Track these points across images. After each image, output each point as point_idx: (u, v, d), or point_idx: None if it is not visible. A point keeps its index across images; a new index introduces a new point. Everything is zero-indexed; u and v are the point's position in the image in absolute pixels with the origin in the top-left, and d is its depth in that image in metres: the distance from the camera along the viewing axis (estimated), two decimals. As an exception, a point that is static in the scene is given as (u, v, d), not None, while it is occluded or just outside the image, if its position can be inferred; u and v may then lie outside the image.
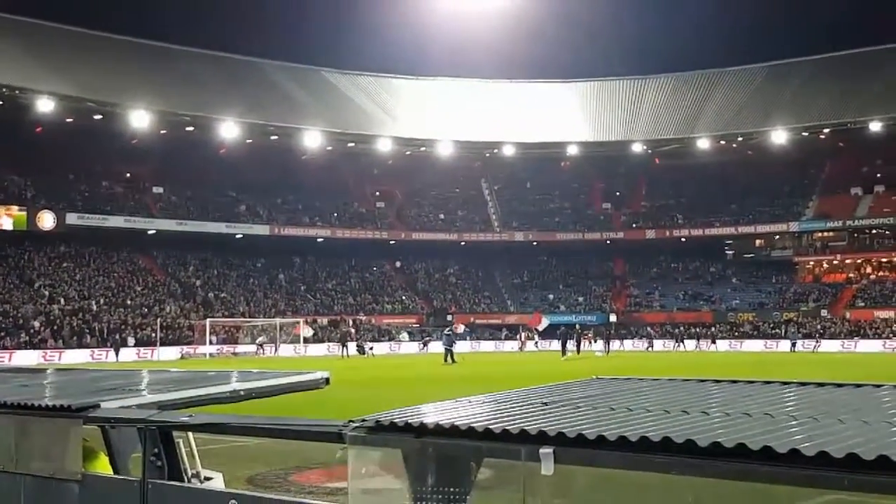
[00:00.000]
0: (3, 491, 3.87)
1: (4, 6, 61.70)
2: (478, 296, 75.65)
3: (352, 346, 54.09)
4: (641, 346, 63.80)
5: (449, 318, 69.96)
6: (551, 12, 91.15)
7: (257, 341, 57.74)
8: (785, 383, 3.15)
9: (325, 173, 71.46)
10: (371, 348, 55.65)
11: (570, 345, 47.75)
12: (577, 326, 58.03)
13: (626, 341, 64.05)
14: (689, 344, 61.53)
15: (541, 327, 64.39)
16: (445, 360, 40.90)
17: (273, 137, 67.73)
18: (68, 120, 59.24)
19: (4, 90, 55.41)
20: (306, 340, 59.35)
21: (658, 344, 63.29)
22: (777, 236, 74.11)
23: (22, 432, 3.82)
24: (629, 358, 46.86)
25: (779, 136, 68.77)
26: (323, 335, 61.62)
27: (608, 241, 77.07)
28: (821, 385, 3.08)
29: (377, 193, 79.42)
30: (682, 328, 65.90)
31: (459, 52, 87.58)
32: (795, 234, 72.91)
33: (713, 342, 61.17)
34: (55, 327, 52.83)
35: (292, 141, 68.06)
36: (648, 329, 66.87)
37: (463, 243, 76.35)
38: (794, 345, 56.63)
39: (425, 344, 59.28)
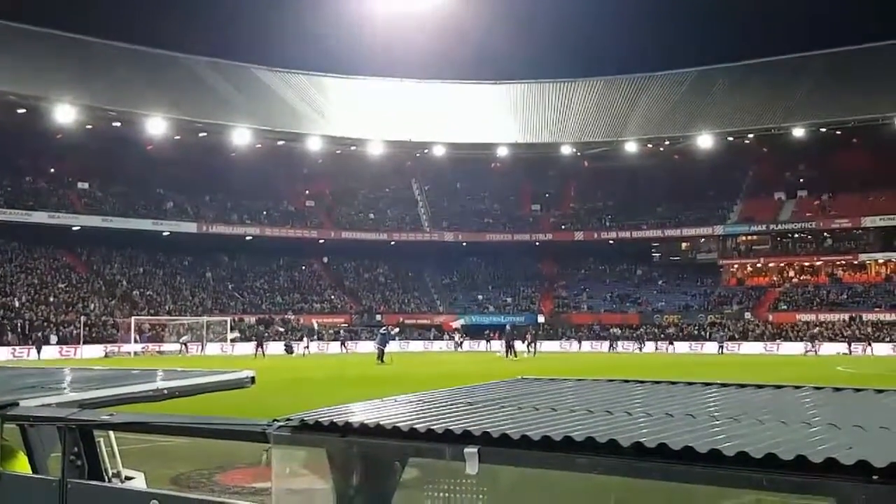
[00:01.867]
0: None
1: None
2: (407, 296, 75.62)
3: (274, 346, 53.76)
4: (571, 346, 64.46)
5: (378, 317, 69.83)
6: (482, 14, 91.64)
7: (181, 340, 56.85)
8: (707, 384, 3.20)
9: (254, 171, 70.65)
10: (307, 347, 55.42)
11: (521, 345, 48.69)
12: (508, 327, 58.51)
13: (554, 342, 64.61)
14: (623, 346, 62.25)
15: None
16: (380, 360, 40.86)
17: (202, 134, 66.76)
18: (-11, 113, 57.63)
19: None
20: (233, 340, 58.56)
21: (586, 345, 64.08)
22: (702, 239, 75.56)
23: None
24: (558, 359, 47.30)
25: (705, 141, 70.17)
26: (251, 334, 60.82)
27: (537, 243, 77.74)
28: (742, 386, 3.14)
29: (307, 192, 78.86)
30: (616, 330, 66.72)
31: (391, 51, 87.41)
32: (720, 238, 74.42)
33: (641, 344, 62.11)
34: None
35: (221, 138, 67.19)
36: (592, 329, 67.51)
37: (393, 243, 76.26)
38: (721, 347, 57.89)
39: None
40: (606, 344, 63.09)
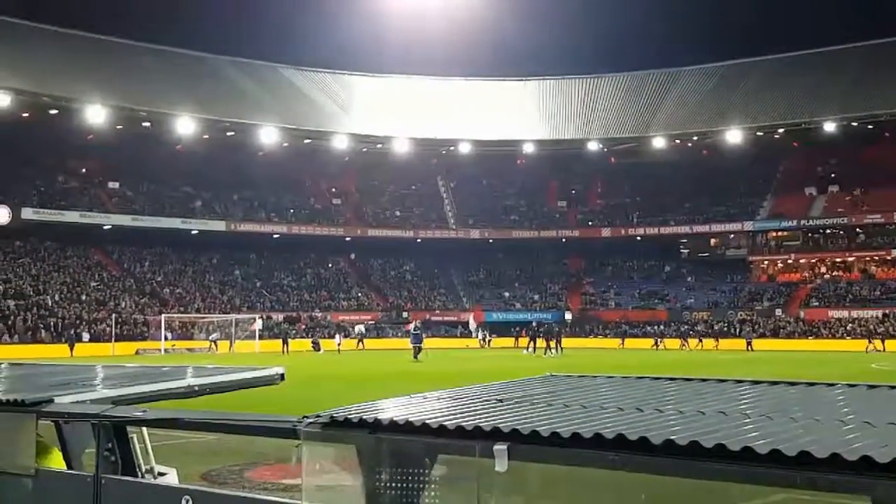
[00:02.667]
0: None
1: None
2: (433, 293, 75.66)
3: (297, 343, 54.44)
4: (607, 342, 64.12)
5: (405, 315, 70.06)
6: (508, 10, 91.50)
7: (210, 338, 57.24)
8: (739, 382, 3.18)
9: (281, 169, 71.04)
10: (339, 344, 55.93)
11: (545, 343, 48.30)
12: (534, 324, 58.47)
13: (590, 338, 64.42)
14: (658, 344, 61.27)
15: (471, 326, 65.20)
16: (415, 357, 40.56)
17: (229, 133, 67.18)
18: (24, 115, 58.33)
19: (-44, 83, 54.40)
20: (249, 336, 58.70)
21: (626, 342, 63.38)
22: (732, 235, 74.98)
23: None
24: (586, 356, 47.12)
25: (734, 136, 69.61)
26: (279, 332, 61.27)
27: (563, 240, 77.44)
28: (774, 384, 3.12)
29: (333, 190, 79.12)
30: (660, 327, 65.99)
31: (416, 49, 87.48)
32: (750, 234, 73.79)
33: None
34: (9, 322, 52.00)
35: (248, 137, 67.56)
36: (659, 328, 66.52)
37: (419, 240, 76.31)
38: (749, 344, 57.36)
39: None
40: (634, 340, 62.50)
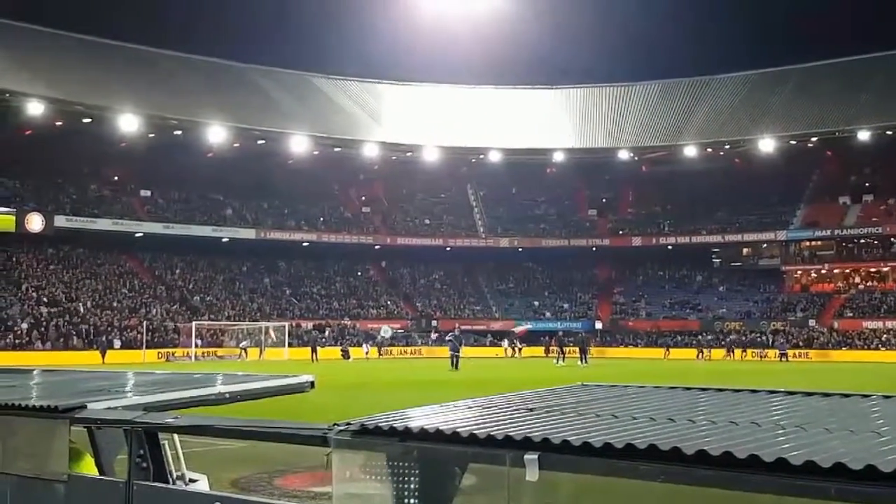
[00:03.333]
0: None
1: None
2: (463, 301, 75.63)
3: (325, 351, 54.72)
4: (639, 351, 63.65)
5: (434, 323, 70.17)
6: (538, 18, 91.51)
7: (241, 345, 57.55)
8: (772, 392, 3.15)
9: (311, 178, 71.41)
10: (367, 352, 56.01)
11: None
12: (560, 333, 58.34)
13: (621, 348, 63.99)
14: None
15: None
16: (453, 366, 39.74)
17: (260, 142, 67.63)
18: (57, 123, 59.00)
19: (-8, 93, 55.22)
20: (275, 344, 58.91)
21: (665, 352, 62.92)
22: (764, 245, 74.32)
23: (8, 432, 3.81)
24: (618, 365, 46.86)
25: (766, 145, 69.02)
26: (308, 339, 61.61)
27: (594, 248, 77.14)
28: (808, 395, 3.09)
29: (363, 198, 79.39)
30: (707, 336, 65.19)
31: (446, 57, 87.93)
32: (783, 243, 73.09)
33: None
34: (42, 329, 52.60)
35: (279, 145, 67.98)
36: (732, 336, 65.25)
37: (448, 248, 76.32)
38: (783, 354, 56.89)
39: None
40: (730, 352, 61.31)
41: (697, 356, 59.77)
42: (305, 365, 44.95)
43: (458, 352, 41.78)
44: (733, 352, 60.69)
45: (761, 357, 59.11)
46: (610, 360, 57.08)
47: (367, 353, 56.10)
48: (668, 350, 62.44)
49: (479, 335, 70.17)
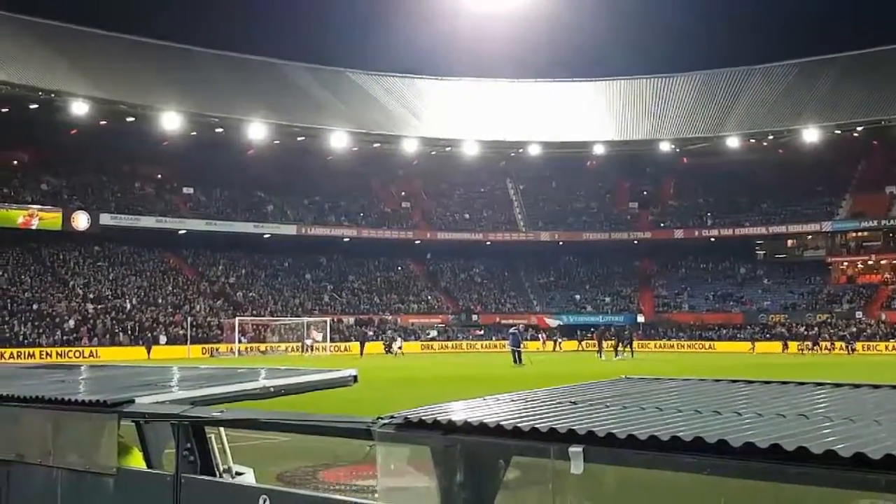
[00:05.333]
0: (40, 484, 3.93)
1: (40, 12, 62.80)
2: (503, 296, 75.55)
3: (374, 345, 55.01)
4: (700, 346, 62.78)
5: (475, 318, 70.23)
6: (577, 11, 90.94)
7: (306, 341, 58.04)
8: (819, 384, 3.11)
9: (350, 173, 71.75)
10: (400, 347, 56.11)
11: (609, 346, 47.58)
12: (602, 328, 57.99)
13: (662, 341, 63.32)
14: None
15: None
16: (515, 362, 38.28)
17: (300, 138, 68.07)
18: (102, 122, 59.89)
19: (40, 94, 56.12)
20: (316, 342, 59.34)
21: (725, 345, 62.03)
22: (809, 236, 73.30)
23: (58, 427, 3.88)
24: (663, 360, 46.56)
25: (810, 135, 68.02)
26: (349, 334, 62.05)
27: (635, 241, 76.66)
28: (856, 387, 3.04)
29: (402, 193, 79.58)
30: (801, 329, 63.72)
31: (484, 51, 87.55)
32: (828, 234, 72.06)
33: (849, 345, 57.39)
34: (89, 325, 53.47)
35: (318, 142, 68.35)
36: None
37: (488, 243, 76.31)
38: (850, 346, 56.16)
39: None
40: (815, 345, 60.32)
41: (783, 350, 58.06)
42: (353, 360, 45.23)
43: (520, 346, 40.53)
44: (818, 345, 58.92)
45: (829, 350, 57.84)
46: (653, 353, 56.72)
47: (399, 348, 55.81)
48: (753, 344, 60.51)
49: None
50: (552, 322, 69.88)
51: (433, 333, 65.94)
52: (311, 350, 56.79)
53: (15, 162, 62.49)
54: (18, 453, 4.07)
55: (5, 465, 4.12)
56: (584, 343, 62.30)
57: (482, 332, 67.81)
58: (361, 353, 52.72)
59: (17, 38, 58.97)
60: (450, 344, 65.01)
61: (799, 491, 1.95)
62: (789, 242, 74.39)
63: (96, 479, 3.62)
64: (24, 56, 57.56)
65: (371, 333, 61.23)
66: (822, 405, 2.60)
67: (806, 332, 62.98)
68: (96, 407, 3.67)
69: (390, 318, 66.89)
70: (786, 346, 58.82)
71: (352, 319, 64.98)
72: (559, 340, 65.47)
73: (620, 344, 47.86)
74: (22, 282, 56.08)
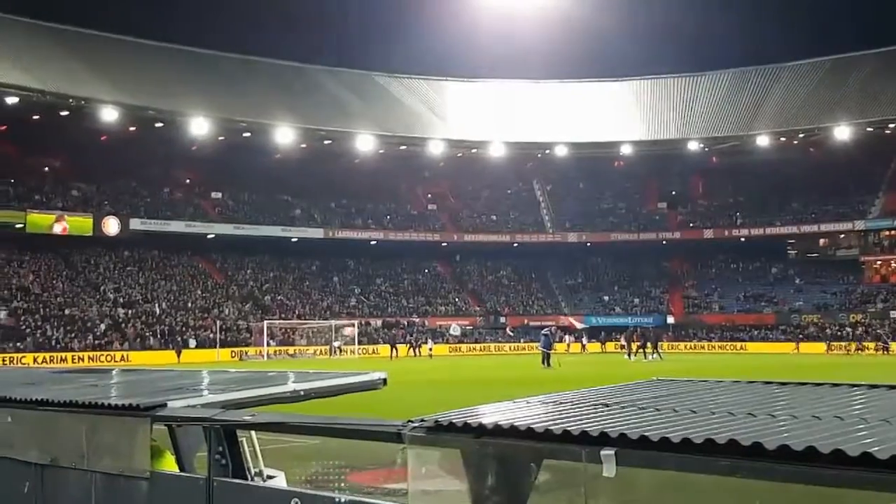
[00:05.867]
0: (74, 487, 3.97)
1: (69, 20, 63.53)
2: (531, 297, 75.39)
3: (403, 348, 55.15)
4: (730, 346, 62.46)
5: (502, 320, 70.15)
6: (603, 10, 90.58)
7: (335, 344, 58.31)
8: (854, 385, 3.08)
9: (377, 176, 71.88)
10: (430, 349, 56.29)
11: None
12: (630, 329, 57.69)
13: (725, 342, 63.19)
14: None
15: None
16: (544, 363, 37.96)
17: (326, 142, 68.31)
18: (131, 128, 60.46)
19: (71, 101, 56.74)
20: (350, 343, 59.64)
21: (759, 346, 61.53)
22: (842, 235, 72.49)
23: (93, 431, 3.92)
24: (692, 361, 46.23)
25: (842, 132, 67.23)
26: (377, 337, 62.24)
27: (664, 242, 76.17)
28: (892, 388, 3.01)
29: (429, 195, 79.64)
30: (848, 329, 63.03)
31: (510, 52, 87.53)
32: (861, 233, 71.23)
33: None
34: (120, 330, 53.96)
35: (345, 145, 68.56)
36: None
37: (515, 244, 76.18)
38: (886, 346, 55.62)
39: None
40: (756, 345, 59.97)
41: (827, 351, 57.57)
42: (383, 362, 45.28)
43: (550, 348, 40.17)
44: (863, 347, 58.10)
45: (859, 350, 57.24)
46: (683, 354, 56.36)
47: (430, 350, 56.27)
48: (797, 344, 59.58)
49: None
50: (579, 324, 69.49)
51: (457, 332, 65.74)
52: (339, 352, 57.04)
53: (46, 168, 63.19)
54: (53, 457, 4.11)
55: (40, 469, 4.17)
56: (603, 345, 62.46)
57: (513, 333, 67.44)
58: (393, 356, 52.94)
59: (47, 47, 59.67)
60: (478, 346, 64.98)
61: (834, 494, 1.93)
62: (821, 241, 73.64)
63: (130, 483, 3.65)
64: (54, 64, 58.23)
65: (402, 336, 61.41)
66: (858, 407, 2.57)
67: (840, 332, 62.37)
68: (129, 411, 3.70)
69: (418, 320, 66.95)
70: (830, 348, 58.10)
71: (379, 322, 65.10)
72: (585, 342, 65.03)
73: (649, 345, 47.53)
74: (54, 287, 56.69)
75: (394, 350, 54.58)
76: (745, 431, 2.15)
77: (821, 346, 58.80)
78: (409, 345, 57.43)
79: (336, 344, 58.16)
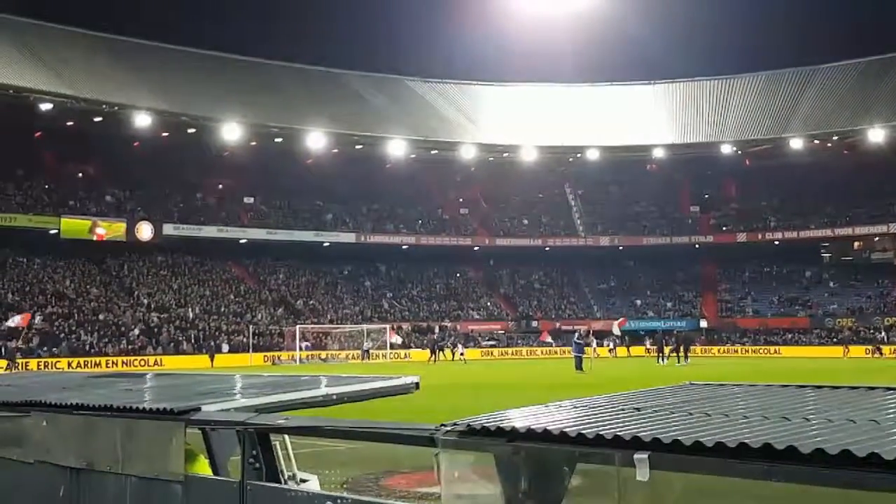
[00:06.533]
0: (110, 491, 4.00)
1: (102, 26, 64.33)
2: (563, 301, 75.14)
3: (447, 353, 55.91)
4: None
5: (535, 324, 69.93)
6: (635, 13, 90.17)
7: (364, 347, 58.53)
8: (889, 389, 3.04)
9: (409, 181, 72.03)
10: (462, 353, 56.35)
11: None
12: (660, 332, 57.29)
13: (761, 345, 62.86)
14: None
15: (615, 332, 62.27)
16: (578, 368, 37.82)
17: (358, 147, 68.55)
18: (164, 134, 61.03)
19: (104, 107, 57.40)
20: (394, 346, 59.98)
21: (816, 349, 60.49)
22: (877, 238, 71.59)
23: (127, 435, 3.95)
24: (728, 363, 45.84)
25: (876, 134, 66.42)
26: (409, 341, 62.31)
27: (697, 245, 75.66)
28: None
29: (461, 200, 79.64)
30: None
31: (541, 57, 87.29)
32: (896, 236, 70.42)
33: None
34: (153, 334, 54.44)
35: (377, 150, 68.77)
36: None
37: (547, 248, 75.99)
38: None
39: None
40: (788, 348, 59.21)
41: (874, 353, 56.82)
42: (423, 367, 45.32)
43: (583, 353, 39.81)
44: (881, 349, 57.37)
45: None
46: (717, 358, 55.90)
47: (462, 354, 56.41)
48: (846, 348, 58.48)
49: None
50: (616, 330, 68.08)
51: (491, 342, 65.91)
52: (369, 356, 57.15)
53: (80, 174, 64.03)
54: (88, 461, 4.15)
55: (76, 473, 4.21)
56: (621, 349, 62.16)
57: (551, 340, 66.72)
58: (433, 360, 53.21)
59: (81, 53, 60.51)
60: (510, 350, 64.85)
61: (871, 498, 1.91)
62: (856, 244, 72.76)
63: (165, 487, 3.68)
64: (87, 70, 59.01)
65: (441, 339, 61.35)
66: (893, 410, 2.54)
67: (874, 336, 61.57)
68: (164, 415, 3.73)
69: (449, 324, 66.96)
70: (878, 351, 57.33)
71: (410, 326, 65.19)
72: (614, 346, 64.26)
73: (681, 349, 47.21)
74: (88, 292, 57.32)
75: (433, 355, 54.67)
76: (780, 435, 2.14)
77: (858, 350, 57.99)
78: (435, 348, 57.42)
79: (367, 346, 58.38)
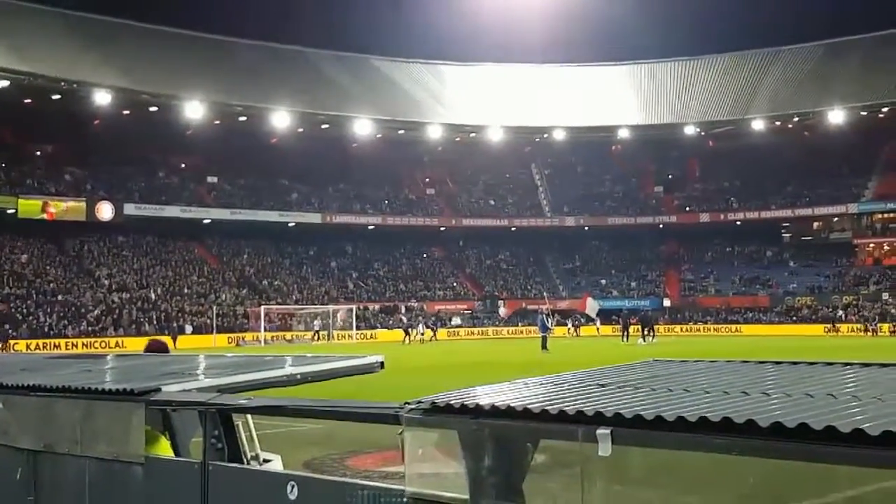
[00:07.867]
0: (68, 473, 3.96)
1: (62, 2, 63.13)
2: (529, 281, 75.48)
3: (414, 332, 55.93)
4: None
5: (500, 304, 70.21)
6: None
7: (315, 328, 58.39)
8: (847, 364, 3.08)
9: (375, 161, 71.74)
10: (422, 333, 56.35)
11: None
12: (624, 311, 57.77)
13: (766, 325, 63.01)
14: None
15: (590, 312, 62.66)
16: (544, 348, 37.66)
17: (324, 126, 68.15)
18: (125, 112, 60.19)
19: (63, 84, 56.48)
20: (344, 328, 59.77)
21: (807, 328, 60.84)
22: (835, 218, 72.66)
23: (86, 416, 3.91)
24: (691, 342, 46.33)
25: (836, 116, 67.31)
26: (374, 322, 62.28)
27: (661, 225, 76.30)
28: (884, 366, 3.01)
29: (427, 180, 79.56)
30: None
31: (508, 37, 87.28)
32: (854, 216, 71.42)
33: None
34: (114, 316, 53.89)
35: (343, 129, 68.42)
36: None
37: (513, 229, 76.21)
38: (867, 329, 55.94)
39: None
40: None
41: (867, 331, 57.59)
42: (376, 346, 45.34)
43: (547, 332, 40.04)
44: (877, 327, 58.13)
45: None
46: (680, 336, 56.46)
47: (422, 334, 56.41)
48: (834, 326, 59.68)
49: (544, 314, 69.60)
50: (592, 311, 67.39)
51: (457, 321, 66.11)
52: (318, 338, 56.80)
53: (38, 153, 63.02)
54: (47, 443, 4.10)
55: (33, 455, 4.17)
56: (578, 329, 62.30)
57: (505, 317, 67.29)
58: (407, 340, 53.17)
59: (39, 29, 59.36)
60: (476, 330, 65.03)
61: (827, 470, 1.94)
62: (815, 225, 73.79)
63: (125, 468, 3.65)
64: (45, 47, 57.94)
65: (406, 321, 61.25)
66: (851, 385, 2.58)
67: (833, 314, 62.64)
68: (124, 396, 3.69)
69: (416, 304, 67.00)
70: (874, 331, 57.78)
71: (377, 307, 65.13)
72: (572, 326, 64.34)
73: (645, 328, 47.70)
74: (47, 273, 56.57)
75: (406, 336, 54.68)
76: (739, 409, 2.16)
77: (817, 329, 58.92)
78: (431, 329, 57.66)
79: (316, 326, 58.21)
